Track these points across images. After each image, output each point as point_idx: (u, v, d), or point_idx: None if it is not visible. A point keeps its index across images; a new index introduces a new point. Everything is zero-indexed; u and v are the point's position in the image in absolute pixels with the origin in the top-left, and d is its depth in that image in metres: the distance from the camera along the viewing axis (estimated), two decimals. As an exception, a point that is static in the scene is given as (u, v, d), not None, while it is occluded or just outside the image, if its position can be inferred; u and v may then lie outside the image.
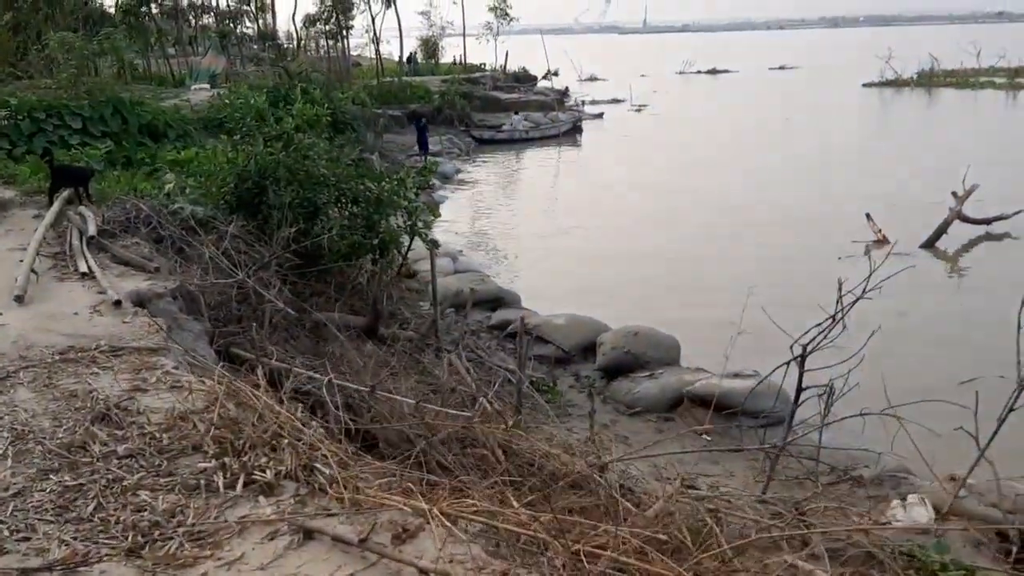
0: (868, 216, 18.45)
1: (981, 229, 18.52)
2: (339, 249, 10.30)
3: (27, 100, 17.50)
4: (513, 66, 55.95)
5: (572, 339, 11.67)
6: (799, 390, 7.60)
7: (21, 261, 7.61)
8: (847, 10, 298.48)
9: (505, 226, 21.18)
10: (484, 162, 32.12)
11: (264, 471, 4.14)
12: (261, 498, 3.99)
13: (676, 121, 41.90)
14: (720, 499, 6.92)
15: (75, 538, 3.69)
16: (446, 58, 58.39)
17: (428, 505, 3.71)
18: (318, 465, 4.19)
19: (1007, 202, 18.86)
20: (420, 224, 10.70)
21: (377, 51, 44.12)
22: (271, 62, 32.64)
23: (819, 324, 7.41)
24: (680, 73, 76.02)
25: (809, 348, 7.43)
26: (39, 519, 3.85)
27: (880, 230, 18.09)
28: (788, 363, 7.56)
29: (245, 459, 4.25)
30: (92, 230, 8.50)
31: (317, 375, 6.06)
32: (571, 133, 38.57)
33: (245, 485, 4.07)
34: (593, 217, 21.55)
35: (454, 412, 6.71)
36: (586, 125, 40.52)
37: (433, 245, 10.92)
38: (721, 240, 18.77)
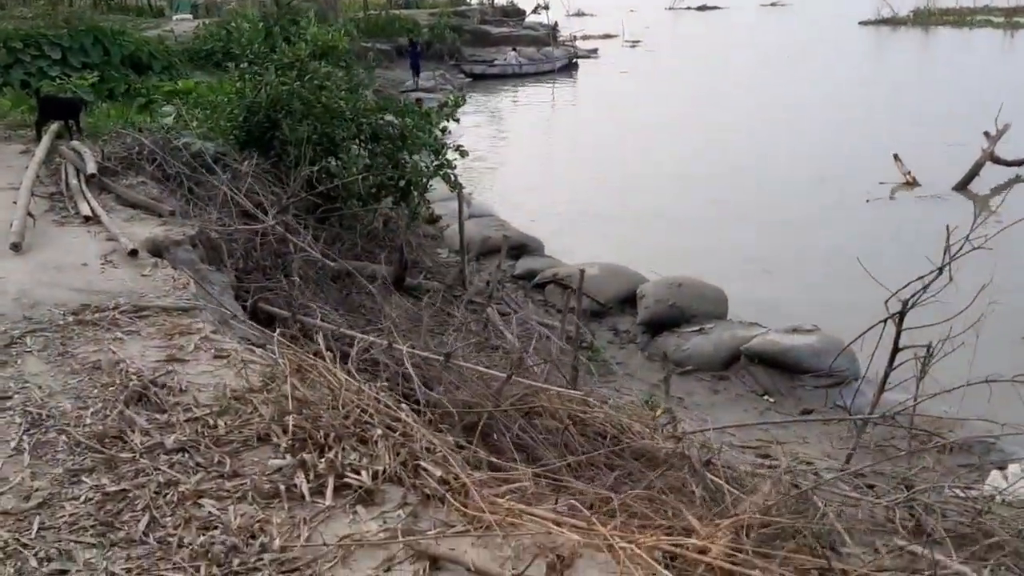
0: (896, 157, 17.59)
1: (1011, 171, 17.70)
2: (361, 190, 9.34)
3: (3, 30, 16.20)
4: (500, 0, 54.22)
5: (608, 291, 10.80)
6: (895, 350, 6.81)
7: (14, 203, 6.61)
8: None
9: (511, 168, 20.19)
10: (480, 98, 30.89)
11: (358, 472, 3.27)
12: (360, 509, 3.13)
13: (675, 57, 40.64)
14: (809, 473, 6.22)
15: (128, 570, 2.82)
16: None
17: (587, 524, 2.87)
18: (425, 464, 3.33)
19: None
20: (448, 164, 9.71)
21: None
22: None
23: (921, 277, 6.65)
24: (670, 9, 74.33)
25: (910, 303, 6.67)
26: (76, 541, 2.97)
27: (909, 171, 17.27)
28: (885, 321, 6.76)
29: (330, 455, 3.38)
30: (91, 167, 7.48)
31: (378, 340, 5.16)
32: (566, 69, 37.31)
33: (336, 491, 3.21)
34: (609, 160, 20.54)
35: (522, 381, 5.87)
36: (581, 62, 39.23)
37: (459, 187, 9.94)
38: (741, 181, 17.83)
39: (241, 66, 9.74)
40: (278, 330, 4.53)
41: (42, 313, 4.87)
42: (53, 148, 8.46)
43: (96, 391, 3.98)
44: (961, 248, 6.43)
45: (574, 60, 38.57)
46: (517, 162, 20.99)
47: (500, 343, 8.51)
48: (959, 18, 54.33)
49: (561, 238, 13.71)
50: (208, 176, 8.49)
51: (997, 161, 17.28)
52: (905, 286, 6.72)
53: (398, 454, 3.40)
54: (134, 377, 4.06)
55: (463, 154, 10.00)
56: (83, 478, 3.32)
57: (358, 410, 3.71)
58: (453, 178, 9.74)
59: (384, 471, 3.29)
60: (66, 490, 3.25)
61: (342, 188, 9.20)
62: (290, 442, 3.50)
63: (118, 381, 4.04)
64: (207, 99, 9.64)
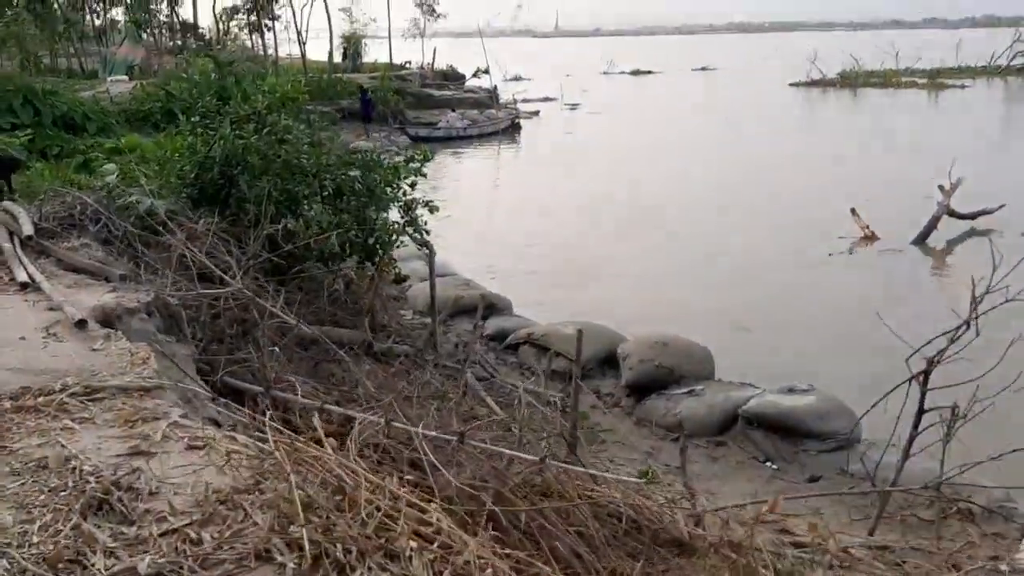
0: (853, 211, 17.50)
1: (965, 225, 17.74)
2: (325, 249, 8.64)
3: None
4: (439, 64, 54.28)
5: (585, 350, 10.17)
6: (920, 412, 6.32)
7: (-63, 269, 5.79)
8: (752, 16, 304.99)
9: (465, 227, 19.66)
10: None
11: (395, 601, 2.56)
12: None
13: (618, 119, 40.80)
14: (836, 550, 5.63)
15: None
16: (368, 57, 56.29)
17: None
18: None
19: (973, 198, 17.91)
20: (417, 221, 9.09)
21: (302, 46, 41.96)
22: (195, 53, 30.27)
23: (947, 332, 6.20)
24: (605, 73, 75.47)
25: (935, 360, 6.20)
26: None
27: (867, 225, 17.17)
28: (910, 380, 6.27)
29: (354, 578, 2.65)
30: (27, 229, 6.67)
31: (378, 419, 4.44)
32: (510, 131, 37.20)
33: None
34: (564, 220, 20.10)
35: (524, 457, 5.20)
36: (524, 123, 39.22)
37: (429, 245, 9.32)
38: (699, 239, 17.49)
39: (192, 119, 9.03)
40: (268, 413, 3.79)
41: (-29, 398, 4.06)
42: (-18, 209, 7.62)
43: (43, 497, 3.20)
44: (982, 299, 6.02)
45: (517, 121, 38.51)
46: (471, 220, 20.48)
47: (486, 412, 7.83)
48: (885, 80, 56.05)
49: (525, 295, 13.11)
50: (159, 237, 7.73)
51: (953, 214, 17.31)
52: (928, 342, 6.28)
53: (439, 574, 2.69)
54: (91, 478, 3.28)
55: (433, 210, 9.37)
56: (31, 620, 2.55)
57: (378, 512, 2.99)
58: (423, 236, 9.10)
59: (428, 598, 2.58)
60: (9, 639, 2.47)
61: (303, 248, 8.49)
62: (298, 561, 2.77)
63: (71, 484, 3.26)
64: (154, 155, 8.89)
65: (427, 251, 9.28)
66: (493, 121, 37.46)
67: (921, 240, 16.77)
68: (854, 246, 17.10)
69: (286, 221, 8.41)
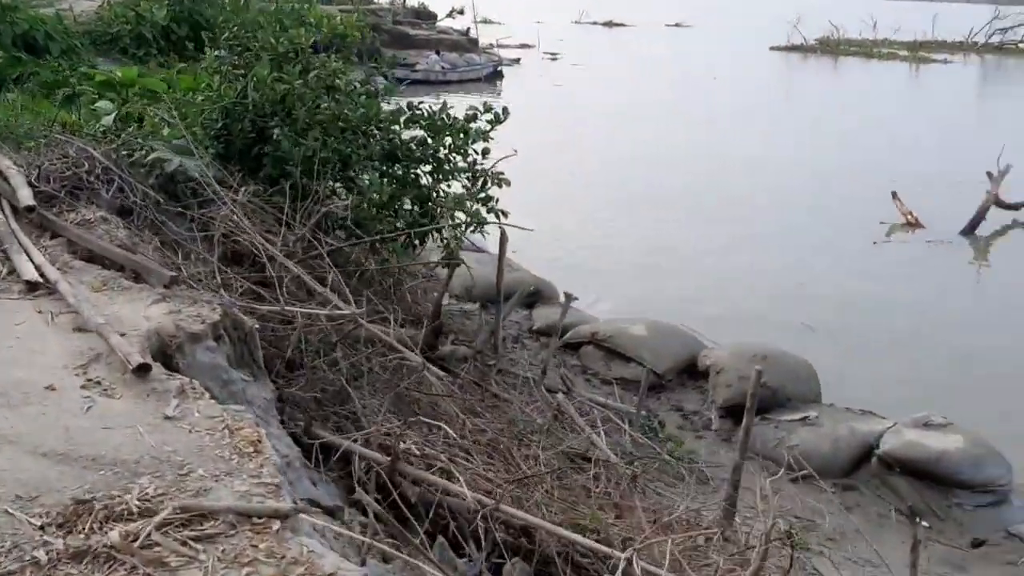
0: (894, 195, 16.22)
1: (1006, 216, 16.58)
2: (384, 228, 6.98)
3: None
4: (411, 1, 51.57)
5: (663, 357, 8.72)
6: None
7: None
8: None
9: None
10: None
11: None
12: None
13: (606, 75, 38.63)
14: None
15: None
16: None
17: None
18: None
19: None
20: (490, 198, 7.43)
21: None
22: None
23: None
24: (576, 23, 73.20)
25: None
26: None
27: (911, 212, 15.91)
28: None
29: None
30: (26, 196, 4.87)
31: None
32: (492, 78, 35.20)
33: None
34: (578, 187, 18.35)
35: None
36: (505, 71, 37.22)
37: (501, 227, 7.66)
38: (723, 224, 15.81)
39: (217, 53, 7.18)
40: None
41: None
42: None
43: None
44: None
45: (499, 69, 36.50)
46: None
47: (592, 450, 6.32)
48: (865, 50, 55.02)
49: (566, 277, 11.47)
50: (185, 206, 6.00)
51: (1000, 204, 16.14)
52: None
53: None
54: None
55: (502, 183, 7.70)
56: None
57: None
58: (500, 215, 7.47)
59: None
60: None
61: (356, 227, 6.81)
62: None
63: None
64: (171, 96, 7.04)
65: (501, 233, 7.60)
66: (474, 67, 35.41)
67: (970, 230, 15.58)
68: (892, 231, 15.88)
69: (334, 191, 6.76)
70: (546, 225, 13.05)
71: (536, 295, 10.23)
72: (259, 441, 2.93)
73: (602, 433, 6.96)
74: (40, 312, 3.85)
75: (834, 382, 8.84)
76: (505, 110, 7.73)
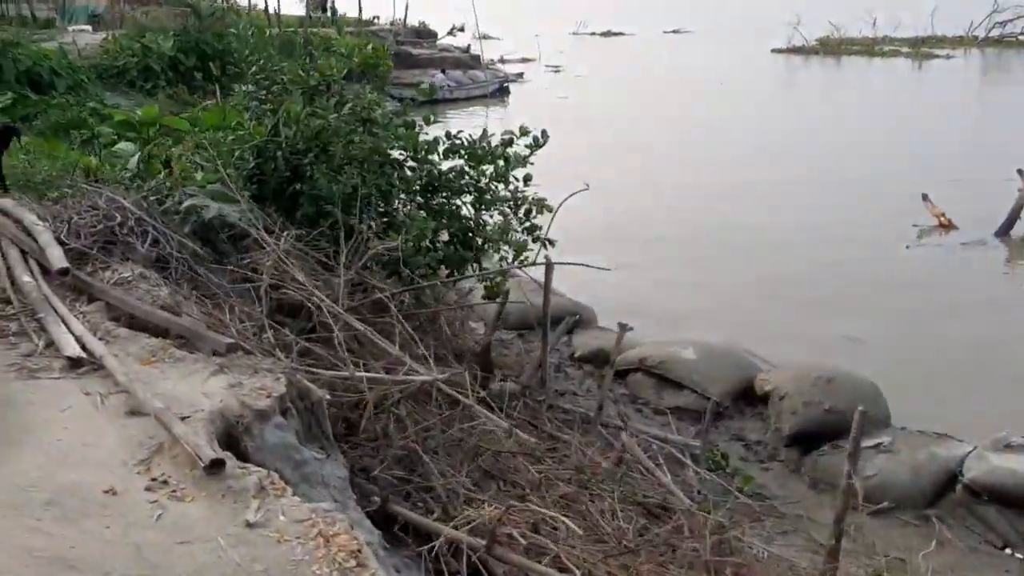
0: (925, 196, 15.79)
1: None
2: (427, 263, 6.60)
3: None
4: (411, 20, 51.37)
5: (717, 382, 8.31)
6: None
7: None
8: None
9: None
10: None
11: None
12: None
13: (611, 85, 38.29)
14: None
15: None
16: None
17: None
18: None
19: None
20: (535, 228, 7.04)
21: (276, -1, 38.73)
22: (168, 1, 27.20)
23: None
24: (574, 34, 73.00)
25: None
26: None
27: (943, 213, 15.47)
28: None
29: None
30: (58, 256, 4.48)
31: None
32: (498, 94, 34.92)
33: None
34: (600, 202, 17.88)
35: None
36: (510, 86, 36.98)
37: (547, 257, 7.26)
38: (750, 230, 15.43)
39: (246, 89, 6.81)
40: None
41: None
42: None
43: None
44: None
45: (505, 84, 36.23)
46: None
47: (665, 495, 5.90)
48: (867, 48, 54.64)
49: (599, 298, 11.04)
50: (221, 255, 5.62)
51: (1031, 205, 15.69)
52: None
53: None
54: None
55: (544, 209, 7.31)
56: None
57: None
58: (547, 244, 7.08)
59: None
60: None
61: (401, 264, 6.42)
62: None
63: None
64: (199, 136, 6.67)
65: (547, 263, 7.20)
66: (480, 84, 35.13)
67: (1004, 231, 15.09)
68: (923, 234, 15.44)
69: (384, 228, 6.37)
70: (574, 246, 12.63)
71: (577, 321, 9.81)
72: (359, 551, 2.53)
73: (666, 472, 6.57)
74: (87, 394, 3.45)
75: (895, 400, 8.41)
76: (544, 133, 7.35)
